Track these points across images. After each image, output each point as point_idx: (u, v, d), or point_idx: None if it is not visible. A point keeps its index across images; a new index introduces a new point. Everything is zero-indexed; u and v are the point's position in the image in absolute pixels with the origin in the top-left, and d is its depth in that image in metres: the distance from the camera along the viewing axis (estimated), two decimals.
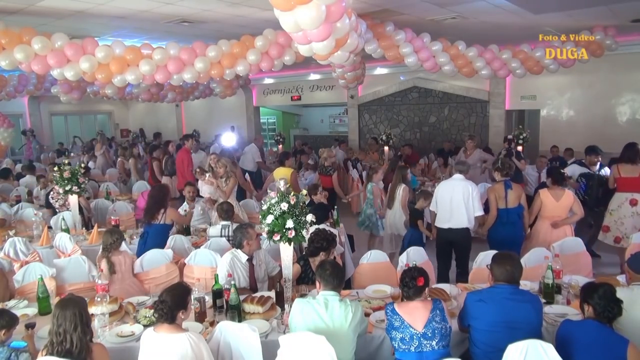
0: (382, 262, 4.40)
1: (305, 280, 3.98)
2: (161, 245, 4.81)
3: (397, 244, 6.12)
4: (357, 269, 4.42)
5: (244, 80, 10.73)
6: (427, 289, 3.01)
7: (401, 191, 6.05)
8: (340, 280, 3.08)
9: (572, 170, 6.66)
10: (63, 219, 5.82)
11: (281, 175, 6.72)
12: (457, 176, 5.29)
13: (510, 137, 9.03)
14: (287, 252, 3.52)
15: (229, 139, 9.84)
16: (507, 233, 5.08)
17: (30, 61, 5.47)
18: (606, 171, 6.48)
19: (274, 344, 2.89)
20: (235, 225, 4.73)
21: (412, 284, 2.91)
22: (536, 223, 5.31)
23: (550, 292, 3.58)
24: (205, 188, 6.46)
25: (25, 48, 5.38)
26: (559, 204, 5.13)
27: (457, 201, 5.11)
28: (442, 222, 5.26)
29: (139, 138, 16.25)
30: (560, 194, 5.16)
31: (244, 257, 3.99)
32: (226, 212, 5.19)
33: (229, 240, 4.88)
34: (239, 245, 4.01)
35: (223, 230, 5.06)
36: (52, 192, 6.46)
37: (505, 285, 2.99)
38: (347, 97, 13.76)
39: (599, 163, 6.70)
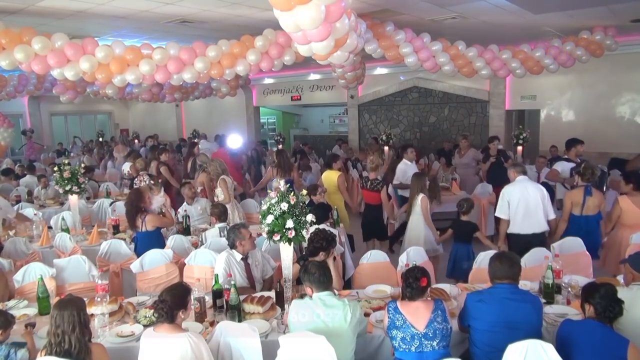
0: (382, 262, 4.38)
1: None
2: None
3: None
4: (357, 269, 4.42)
5: (244, 80, 10.72)
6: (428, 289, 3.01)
7: (419, 201, 5.43)
8: (328, 277, 3.06)
9: (562, 167, 6.40)
10: (63, 219, 5.82)
11: (329, 178, 6.55)
12: (522, 178, 4.95)
13: (494, 139, 8.91)
14: (287, 252, 3.52)
15: (235, 141, 9.57)
16: (583, 241, 4.63)
17: (30, 61, 5.46)
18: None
19: (274, 344, 2.88)
20: None
21: (415, 284, 2.90)
22: (615, 231, 4.99)
23: (550, 292, 3.58)
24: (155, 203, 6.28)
25: (25, 48, 5.37)
26: None
27: (534, 204, 4.81)
28: (523, 228, 4.85)
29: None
30: None
31: (238, 256, 4.00)
32: (223, 213, 5.24)
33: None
34: (232, 246, 4.01)
35: (221, 232, 5.06)
36: (137, 177, 7.01)
37: (505, 285, 3.00)
38: (347, 97, 13.76)
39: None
